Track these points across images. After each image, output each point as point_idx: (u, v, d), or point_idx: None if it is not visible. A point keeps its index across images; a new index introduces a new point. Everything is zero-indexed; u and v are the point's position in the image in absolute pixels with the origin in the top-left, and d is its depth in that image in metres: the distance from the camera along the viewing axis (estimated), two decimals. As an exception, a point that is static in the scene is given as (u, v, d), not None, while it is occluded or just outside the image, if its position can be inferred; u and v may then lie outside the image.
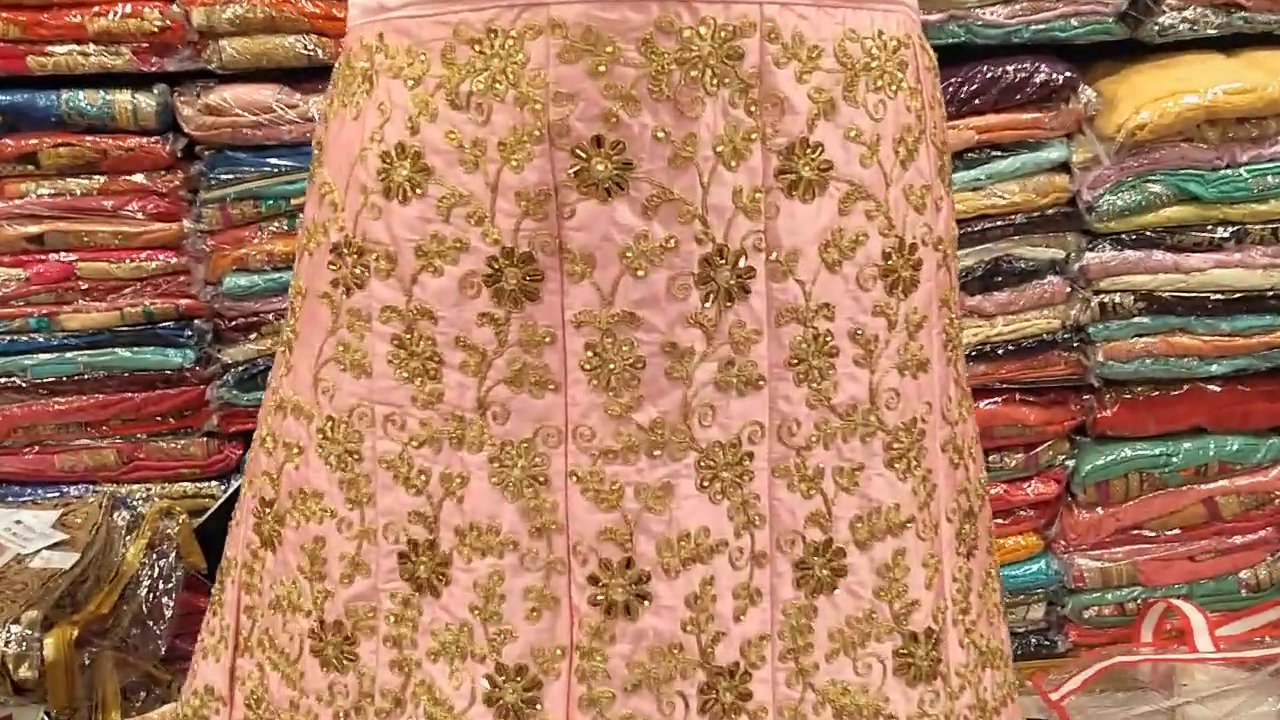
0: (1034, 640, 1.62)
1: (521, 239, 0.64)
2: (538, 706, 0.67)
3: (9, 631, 1.10)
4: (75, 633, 1.12)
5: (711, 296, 0.65)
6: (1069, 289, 1.44)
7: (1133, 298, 1.43)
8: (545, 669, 0.67)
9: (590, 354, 0.65)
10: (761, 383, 0.66)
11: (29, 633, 1.10)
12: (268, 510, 0.74)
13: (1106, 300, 1.43)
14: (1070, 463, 1.53)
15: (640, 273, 0.64)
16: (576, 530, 0.67)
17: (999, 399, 1.49)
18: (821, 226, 0.66)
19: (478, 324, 0.66)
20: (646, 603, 0.67)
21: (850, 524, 0.70)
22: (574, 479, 0.66)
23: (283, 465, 0.73)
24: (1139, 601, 1.59)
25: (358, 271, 0.68)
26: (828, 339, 0.68)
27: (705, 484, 0.67)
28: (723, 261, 0.65)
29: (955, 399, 0.75)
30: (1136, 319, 1.43)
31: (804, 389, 0.67)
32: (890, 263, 0.69)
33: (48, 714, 1.13)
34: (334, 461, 0.70)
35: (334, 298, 0.69)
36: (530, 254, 0.64)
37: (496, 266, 0.65)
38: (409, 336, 0.67)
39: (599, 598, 0.67)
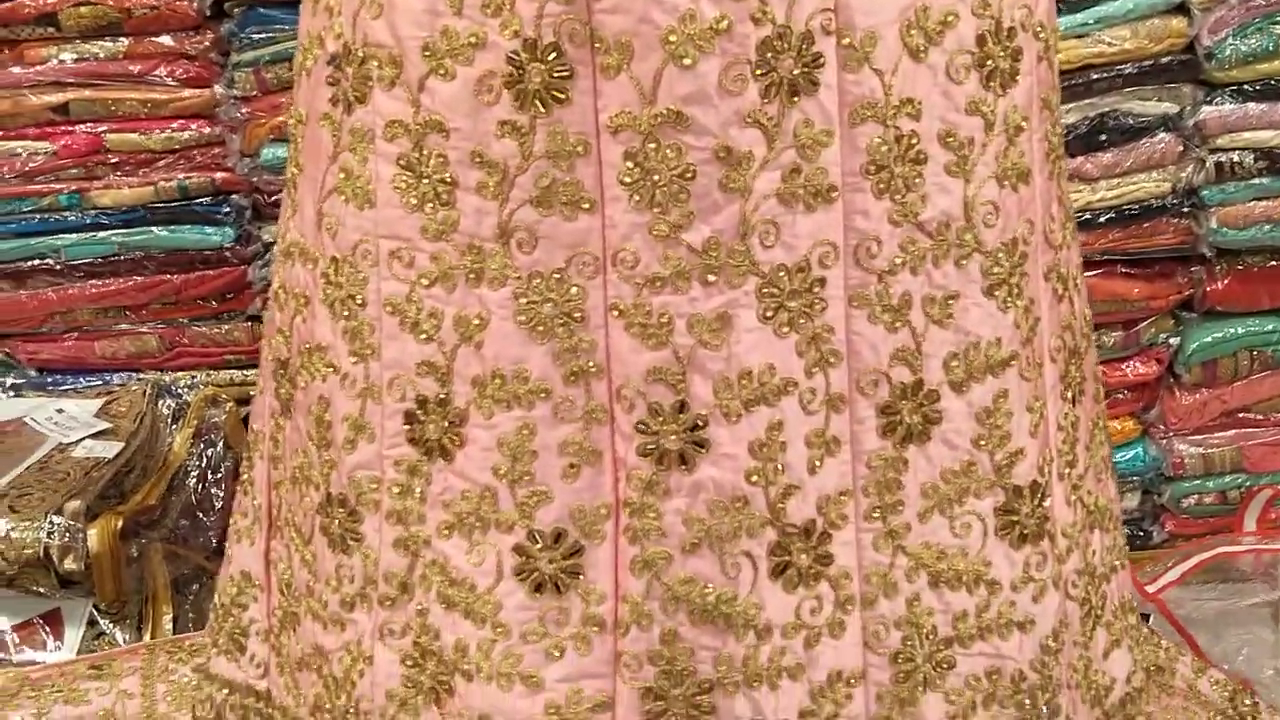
0: (1128, 531, 1.53)
1: (545, 27, 0.54)
2: (580, 576, 0.59)
3: (51, 523, 1.04)
4: (120, 523, 1.07)
5: (773, 90, 0.55)
6: (1181, 147, 1.30)
7: (1253, 156, 1.30)
8: (588, 532, 0.59)
9: (630, 165, 0.56)
10: (834, 194, 0.57)
11: (72, 523, 1.05)
12: (283, 372, 0.66)
13: (1224, 159, 1.30)
14: (1174, 340, 1.42)
15: (686, 61, 0.54)
16: (620, 372, 0.58)
17: (1098, 271, 1.37)
18: (903, 4, 0.56)
19: (497, 135, 0.56)
20: (704, 450, 0.58)
21: (944, 362, 0.61)
22: (615, 313, 0.57)
23: (293, 319, 0.65)
24: (1242, 489, 1.49)
25: (358, 83, 0.58)
26: (913, 142, 0.58)
27: (769, 315, 0.58)
28: (785, 47, 0.54)
29: (1059, 220, 0.65)
30: (1257, 180, 1.30)
31: (885, 202, 0.58)
32: (985, 49, 0.58)
33: (96, 607, 1.09)
34: (336, 308, 0.61)
35: (334, 118, 0.60)
36: (556, 44, 0.54)
37: (517, 63, 0.55)
38: (417, 155, 0.58)
39: (649, 447, 0.58)
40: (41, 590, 1.05)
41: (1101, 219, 1.34)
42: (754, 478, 0.59)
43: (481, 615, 0.58)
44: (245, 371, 1.36)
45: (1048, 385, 0.66)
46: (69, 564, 1.06)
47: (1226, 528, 1.51)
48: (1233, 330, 1.43)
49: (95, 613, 1.09)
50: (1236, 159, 1.31)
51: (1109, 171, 1.32)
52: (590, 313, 0.58)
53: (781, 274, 0.57)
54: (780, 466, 0.59)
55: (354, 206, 0.60)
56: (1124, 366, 1.45)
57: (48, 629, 1.08)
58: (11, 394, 1.31)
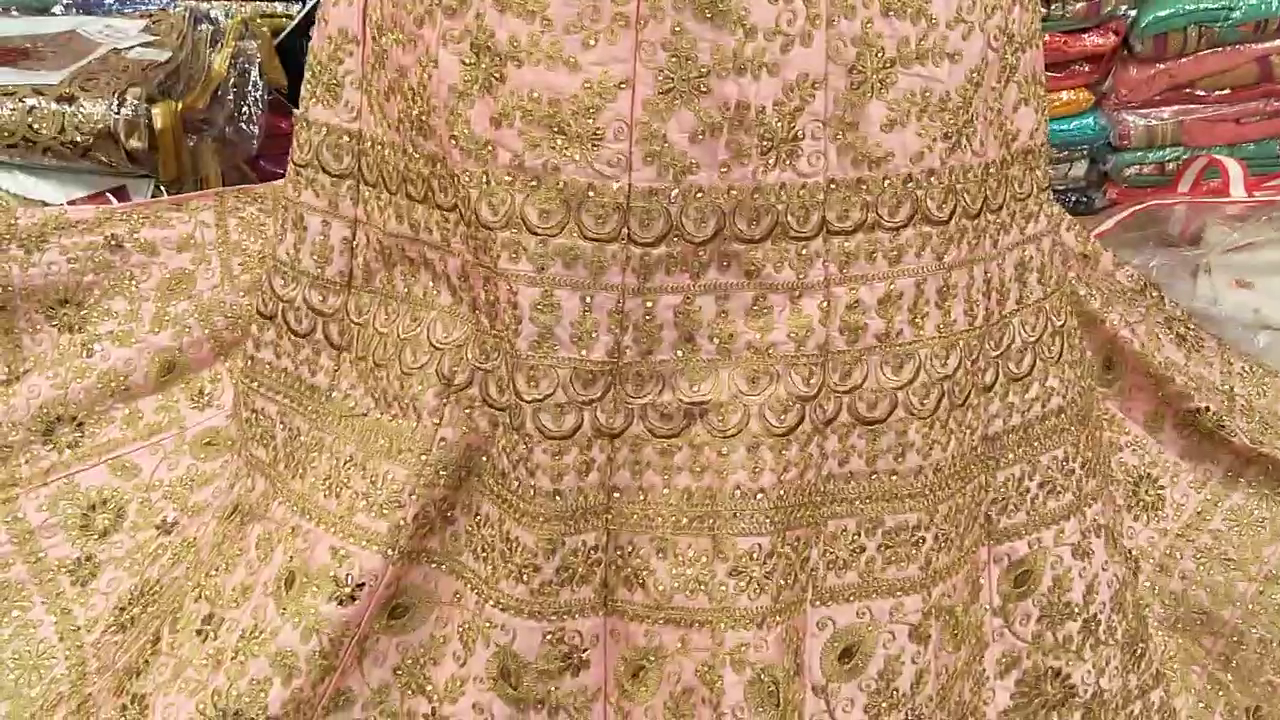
0: (1073, 198, 1.69)
1: None
2: None
3: (119, 100, 1.17)
4: (180, 106, 1.20)
5: None
6: None
7: None
8: None
9: None
10: None
11: (137, 103, 1.17)
12: None
13: None
14: (1132, 12, 1.54)
15: None
16: None
17: (1066, -58, 1.47)
18: None
19: None
20: None
21: None
22: None
23: None
24: (1180, 161, 1.64)
25: None
26: None
27: None
28: None
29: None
30: None
31: None
32: None
33: (158, 185, 1.22)
34: None
35: None
36: None
37: None
38: None
39: None
40: (111, 163, 1.19)
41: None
42: None
43: (531, 11, 0.69)
44: (276, 3, 1.46)
45: None
46: (134, 141, 1.18)
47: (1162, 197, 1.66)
48: (1184, 6, 1.54)
49: (157, 191, 1.24)
50: None
51: None
52: None
53: None
54: None
55: None
56: (1084, 38, 1.56)
57: (115, 201, 1.22)
58: (60, 10, 1.41)
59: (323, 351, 0.85)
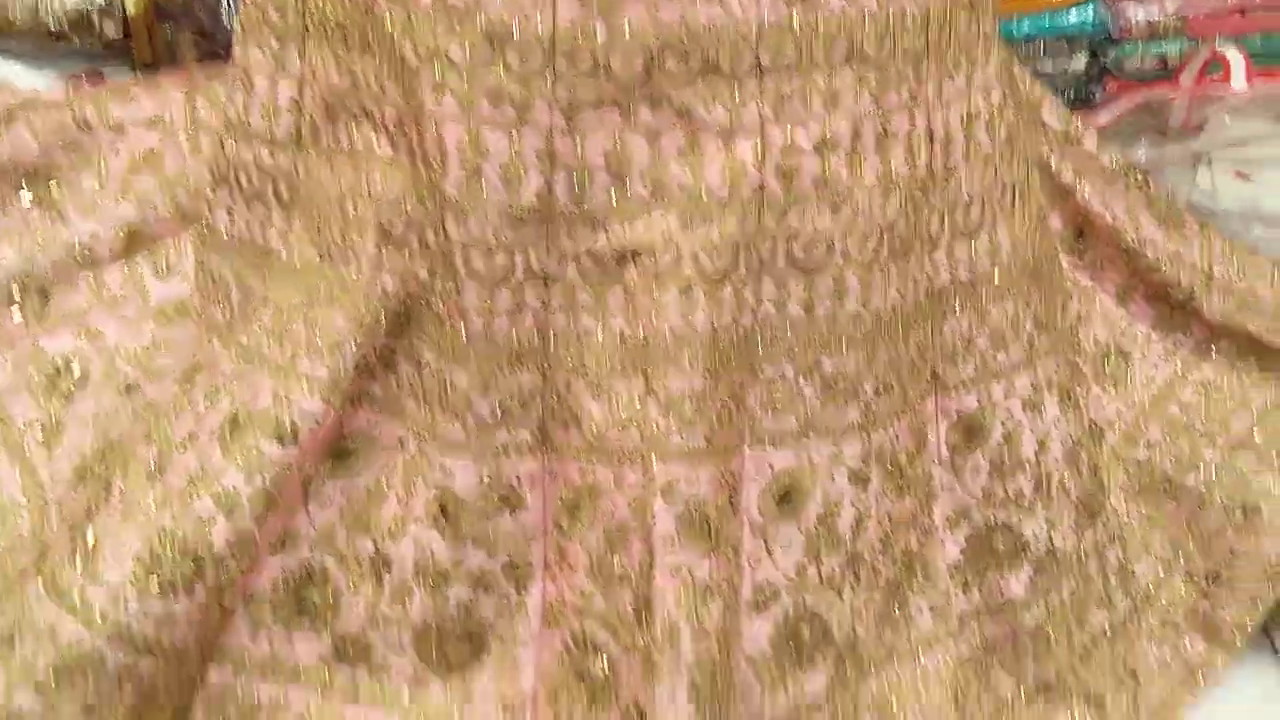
0: (1072, 93, 1.66)
1: None
2: None
3: (91, -16, 1.17)
4: (153, -7, 1.21)
5: None
6: None
7: None
8: None
9: None
10: None
11: (110, -13, 1.18)
12: None
13: None
14: (1131, -102, 1.50)
15: None
16: None
17: None
18: None
19: None
20: None
21: None
22: None
23: None
24: (1182, 54, 1.60)
25: None
26: None
27: None
28: None
29: None
30: None
31: None
32: None
33: (135, 74, 1.23)
34: None
35: None
36: None
37: None
38: None
39: None
40: (86, 48, 1.20)
41: None
42: None
43: None
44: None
45: None
46: (109, 30, 1.20)
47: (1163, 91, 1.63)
48: (1189, -114, 1.50)
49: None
50: None
51: None
52: None
53: None
54: None
55: None
56: (1082, -75, 1.53)
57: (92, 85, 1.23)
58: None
59: (274, 212, 0.85)
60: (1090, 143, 1.18)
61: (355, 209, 0.78)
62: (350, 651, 0.83)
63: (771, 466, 0.78)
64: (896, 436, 0.82)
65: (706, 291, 0.74)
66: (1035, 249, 0.88)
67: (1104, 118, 1.55)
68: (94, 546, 0.77)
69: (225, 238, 0.88)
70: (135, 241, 1.00)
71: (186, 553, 0.76)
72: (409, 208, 0.76)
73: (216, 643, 0.82)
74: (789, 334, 0.77)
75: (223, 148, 0.87)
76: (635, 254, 0.74)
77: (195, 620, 0.78)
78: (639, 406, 0.74)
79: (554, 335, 0.76)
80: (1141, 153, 1.55)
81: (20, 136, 1.01)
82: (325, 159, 0.82)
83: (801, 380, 0.78)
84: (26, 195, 1.01)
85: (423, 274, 0.76)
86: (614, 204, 0.74)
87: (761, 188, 0.74)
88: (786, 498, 0.79)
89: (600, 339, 0.75)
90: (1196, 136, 1.56)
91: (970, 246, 0.83)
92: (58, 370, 0.94)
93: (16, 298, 0.97)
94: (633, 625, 0.76)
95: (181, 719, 0.83)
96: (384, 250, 0.77)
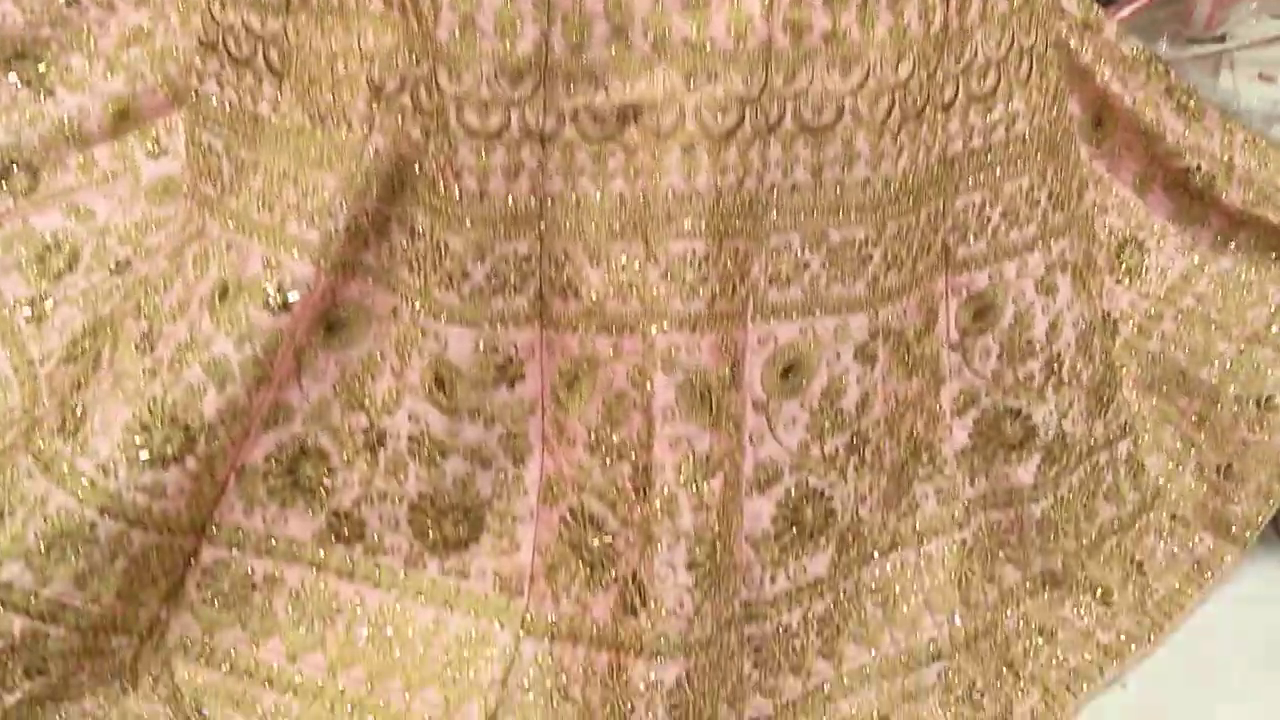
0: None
1: None
2: None
3: None
4: None
5: None
6: None
7: None
8: None
9: None
10: None
11: None
12: None
13: None
14: None
15: None
16: None
17: None
18: None
19: None
20: None
21: None
22: None
23: None
24: (1206, -44, 1.55)
25: None
26: None
27: None
28: None
29: None
30: None
31: None
32: None
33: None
34: None
35: None
36: None
37: None
38: None
39: None
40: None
41: None
42: None
43: None
44: None
45: None
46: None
47: (1186, -6, 1.58)
48: None
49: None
50: None
51: None
52: None
53: None
54: None
55: None
56: None
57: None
58: None
59: (264, 79, 0.83)
60: (1110, 31, 1.15)
61: (346, 68, 0.75)
62: (345, 528, 0.82)
63: (775, 340, 0.76)
64: (905, 313, 0.80)
65: (710, 151, 0.71)
66: (1052, 123, 0.85)
67: (1125, 10, 1.50)
68: (83, 418, 0.76)
69: (214, 104, 0.85)
70: (125, 120, 0.97)
71: (177, 422, 0.74)
72: (400, 63, 0.73)
73: (210, 518, 0.81)
74: (795, 200, 0.74)
75: (211, 14, 0.84)
76: (636, 111, 0.71)
77: (187, 491, 0.77)
78: (638, 270, 0.72)
79: (551, 200, 0.73)
80: (1163, 52, 1.51)
81: (7, 10, 0.98)
82: (315, 20, 0.79)
83: (808, 250, 0.75)
84: (14, 76, 0.98)
85: (416, 134, 0.74)
86: (614, 58, 0.71)
87: (769, 42, 0.71)
88: (790, 371, 0.77)
89: (599, 202, 0.73)
90: (1220, 39, 1.52)
91: (985, 114, 0.80)
92: (48, 248, 0.93)
93: (4, 176, 0.94)
94: (631, 498, 0.74)
95: (175, 593, 0.82)
96: (376, 109, 0.74)
